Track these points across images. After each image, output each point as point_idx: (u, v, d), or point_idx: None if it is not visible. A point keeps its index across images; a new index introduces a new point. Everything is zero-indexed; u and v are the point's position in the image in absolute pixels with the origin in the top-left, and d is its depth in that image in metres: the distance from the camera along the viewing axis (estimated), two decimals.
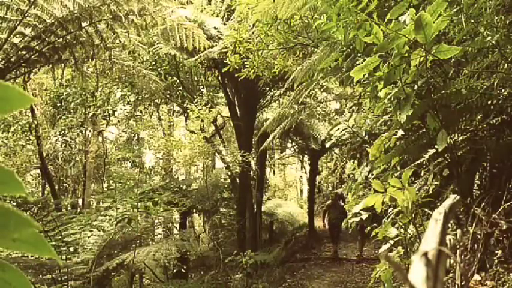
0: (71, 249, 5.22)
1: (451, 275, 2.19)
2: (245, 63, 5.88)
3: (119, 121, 13.50)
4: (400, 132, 2.71)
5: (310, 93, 6.32)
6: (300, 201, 20.18)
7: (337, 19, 2.36)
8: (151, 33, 8.09)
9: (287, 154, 17.63)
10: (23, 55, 5.36)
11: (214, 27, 7.86)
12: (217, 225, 10.50)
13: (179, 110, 13.69)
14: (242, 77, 6.07)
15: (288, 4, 4.01)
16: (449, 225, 2.48)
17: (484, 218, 2.45)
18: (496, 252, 2.43)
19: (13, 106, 0.47)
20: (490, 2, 2.34)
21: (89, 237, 5.60)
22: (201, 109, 8.49)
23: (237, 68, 5.94)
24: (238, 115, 9.74)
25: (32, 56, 5.43)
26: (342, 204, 9.75)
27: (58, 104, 11.34)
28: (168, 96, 10.94)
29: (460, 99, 2.47)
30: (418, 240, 2.48)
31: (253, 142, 10.44)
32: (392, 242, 2.71)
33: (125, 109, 12.27)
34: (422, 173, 3.29)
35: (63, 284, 4.73)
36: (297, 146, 13.75)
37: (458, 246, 2.23)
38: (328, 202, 9.89)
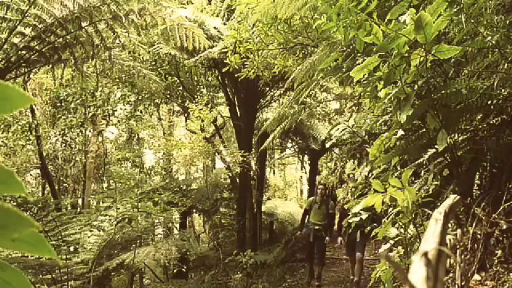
0: (71, 249, 5.22)
1: (451, 275, 2.19)
2: (245, 63, 5.88)
3: (119, 121, 13.51)
4: (400, 132, 2.71)
5: (310, 93, 6.33)
6: (300, 201, 20.18)
7: (337, 19, 2.36)
8: (151, 33, 8.10)
9: (287, 154, 17.63)
10: (23, 55, 5.36)
11: (214, 27, 7.86)
12: (217, 225, 10.51)
13: (179, 110, 13.69)
14: (242, 77, 6.07)
15: (288, 4, 4.01)
16: (449, 225, 2.48)
17: (484, 218, 2.45)
18: (496, 252, 2.43)
19: (13, 106, 0.47)
20: (490, 2, 2.34)
21: (89, 237, 5.60)
22: (201, 109, 8.50)
23: (237, 68, 5.94)
24: (238, 115, 9.74)
25: (32, 56, 5.43)
26: (332, 203, 6.75)
27: (58, 104, 11.34)
28: (168, 96, 10.94)
29: (460, 99, 2.47)
30: (418, 240, 2.48)
31: (253, 142, 10.44)
32: (392, 242, 2.71)
33: (125, 109, 12.28)
34: (422, 173, 3.29)
35: (63, 284, 4.73)
36: (297, 146, 13.77)
37: (458, 246, 2.23)
38: (312, 198, 6.86)
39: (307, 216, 6.67)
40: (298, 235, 7.02)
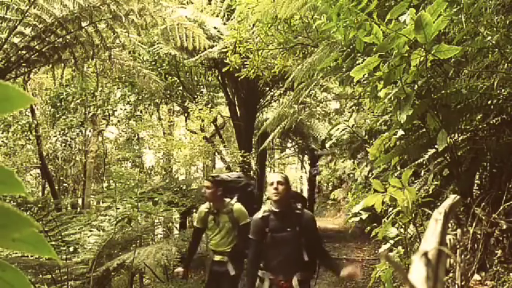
0: (71, 249, 5.22)
1: (451, 275, 2.19)
2: (245, 63, 5.89)
3: (119, 121, 13.52)
4: (400, 132, 2.71)
5: (310, 93, 6.33)
6: None
7: (337, 19, 2.36)
8: (151, 33, 8.10)
9: (287, 154, 17.64)
10: (23, 55, 5.36)
11: (214, 27, 7.86)
12: None
13: (179, 110, 13.70)
14: (242, 77, 6.07)
15: (288, 4, 4.01)
16: (449, 225, 2.48)
17: (484, 218, 2.45)
18: (496, 252, 2.43)
19: (13, 106, 0.47)
20: (490, 2, 2.34)
21: (88, 237, 5.60)
22: (201, 109, 8.50)
23: (237, 68, 5.95)
24: (238, 115, 9.75)
25: (32, 56, 5.43)
26: (237, 206, 3.81)
27: (58, 104, 11.35)
28: (168, 96, 10.95)
29: (460, 99, 2.47)
30: (418, 240, 2.48)
31: (253, 142, 10.45)
32: (392, 242, 2.71)
33: (125, 109, 12.29)
34: (422, 173, 3.29)
35: (63, 284, 4.73)
36: (297, 146, 13.78)
37: (458, 246, 2.23)
38: (203, 206, 3.80)
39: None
40: (177, 273, 3.82)
